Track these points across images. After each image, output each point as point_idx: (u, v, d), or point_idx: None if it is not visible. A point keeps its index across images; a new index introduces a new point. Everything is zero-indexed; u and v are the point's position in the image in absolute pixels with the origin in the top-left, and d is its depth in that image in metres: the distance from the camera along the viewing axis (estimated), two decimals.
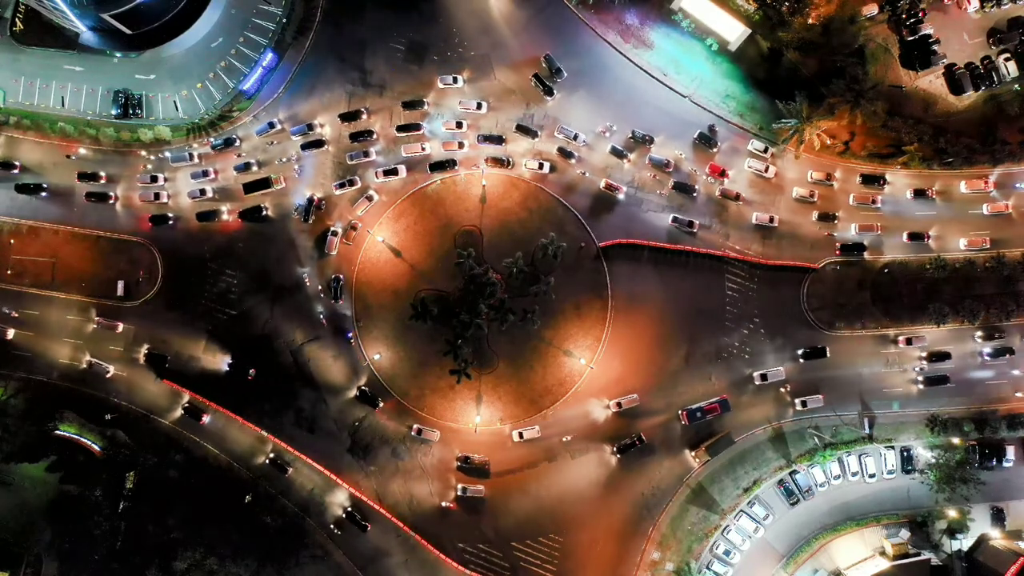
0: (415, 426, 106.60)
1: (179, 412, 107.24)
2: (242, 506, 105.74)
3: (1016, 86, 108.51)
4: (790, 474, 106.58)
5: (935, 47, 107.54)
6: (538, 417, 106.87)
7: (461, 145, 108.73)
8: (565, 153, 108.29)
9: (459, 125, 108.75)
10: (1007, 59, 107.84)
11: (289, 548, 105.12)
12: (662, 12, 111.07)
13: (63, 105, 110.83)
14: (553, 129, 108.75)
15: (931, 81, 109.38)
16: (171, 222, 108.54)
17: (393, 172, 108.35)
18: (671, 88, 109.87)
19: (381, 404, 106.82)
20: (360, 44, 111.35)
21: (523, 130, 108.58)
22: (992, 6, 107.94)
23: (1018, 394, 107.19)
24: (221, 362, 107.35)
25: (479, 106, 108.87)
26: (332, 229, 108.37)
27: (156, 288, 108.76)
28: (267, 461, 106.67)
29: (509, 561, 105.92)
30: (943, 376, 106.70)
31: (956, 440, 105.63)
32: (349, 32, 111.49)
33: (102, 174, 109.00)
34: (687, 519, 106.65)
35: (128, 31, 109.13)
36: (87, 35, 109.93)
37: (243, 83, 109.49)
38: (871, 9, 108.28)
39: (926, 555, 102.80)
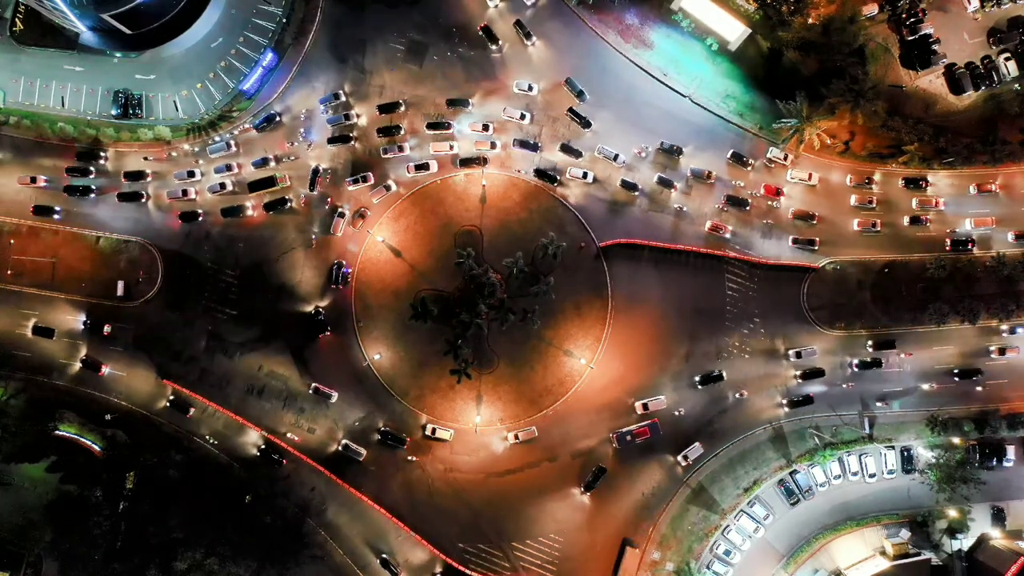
0: (313, 384, 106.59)
1: (77, 366, 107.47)
2: (242, 506, 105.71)
3: (1016, 86, 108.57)
4: (790, 474, 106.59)
5: (935, 47, 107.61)
6: (537, 417, 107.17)
7: (493, 146, 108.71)
8: (628, 185, 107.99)
9: (485, 128, 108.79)
10: (1007, 59, 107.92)
11: (289, 548, 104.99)
12: (662, 12, 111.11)
13: (63, 105, 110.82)
14: (592, 149, 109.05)
15: (931, 81, 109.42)
16: (200, 218, 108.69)
17: (424, 167, 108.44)
18: (671, 88, 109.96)
19: (328, 332, 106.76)
20: (360, 44, 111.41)
21: (567, 150, 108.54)
22: (992, 6, 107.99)
23: (879, 404, 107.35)
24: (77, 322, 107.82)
25: (523, 116, 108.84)
26: (340, 210, 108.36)
27: (156, 288, 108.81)
28: (167, 404, 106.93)
29: (509, 561, 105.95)
30: (807, 396, 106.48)
31: (956, 440, 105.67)
32: (349, 32, 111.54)
33: (148, 172, 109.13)
34: (687, 519, 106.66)
35: (128, 31, 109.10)
36: (87, 35, 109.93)
37: (243, 83, 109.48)
38: (871, 9, 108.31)
39: (926, 555, 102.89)
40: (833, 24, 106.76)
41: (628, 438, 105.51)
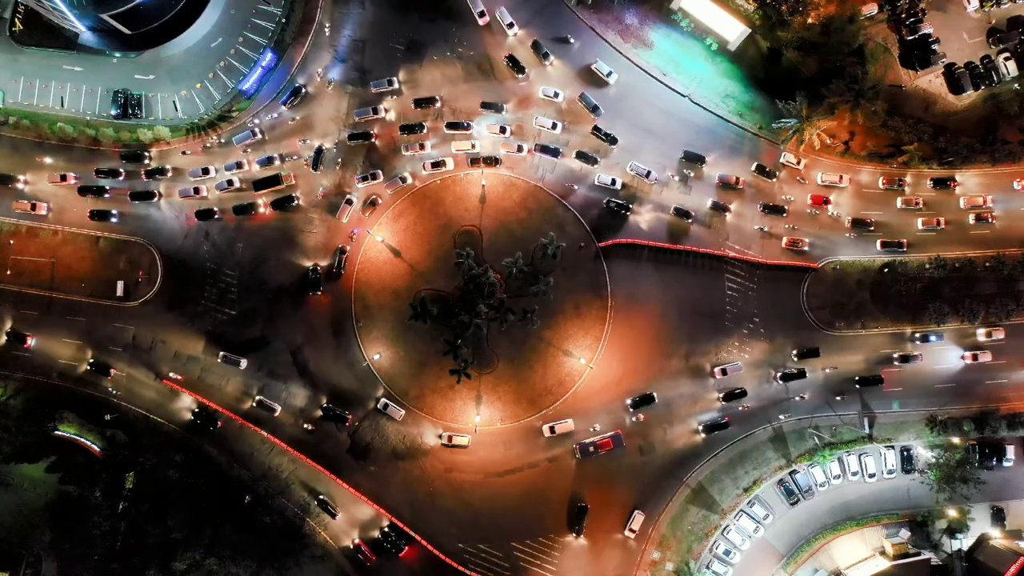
0: (222, 353, 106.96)
1: (2, 338, 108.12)
2: (242, 506, 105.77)
3: (1016, 85, 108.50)
4: (790, 474, 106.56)
5: (935, 46, 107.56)
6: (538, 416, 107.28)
7: (520, 149, 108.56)
8: (682, 212, 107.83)
9: (502, 130, 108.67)
10: (1007, 58, 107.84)
11: (289, 548, 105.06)
12: (661, 12, 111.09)
13: (63, 105, 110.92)
14: (619, 162, 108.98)
15: (931, 80, 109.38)
16: (216, 216, 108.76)
17: (440, 164, 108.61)
18: (671, 88, 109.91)
19: (321, 291, 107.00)
20: (360, 44, 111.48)
21: (583, 157, 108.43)
22: (992, 5, 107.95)
23: (782, 417, 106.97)
24: None
25: (554, 126, 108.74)
26: (348, 197, 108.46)
27: (156, 288, 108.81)
28: (88, 368, 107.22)
29: (509, 561, 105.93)
30: (723, 423, 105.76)
31: (956, 440, 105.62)
32: (349, 32, 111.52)
33: (168, 167, 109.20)
34: (687, 519, 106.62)
35: (127, 31, 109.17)
36: (86, 35, 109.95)
37: (242, 83, 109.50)
38: (871, 8, 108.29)
39: (926, 555, 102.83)
40: (833, 24, 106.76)
41: (591, 449, 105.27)
